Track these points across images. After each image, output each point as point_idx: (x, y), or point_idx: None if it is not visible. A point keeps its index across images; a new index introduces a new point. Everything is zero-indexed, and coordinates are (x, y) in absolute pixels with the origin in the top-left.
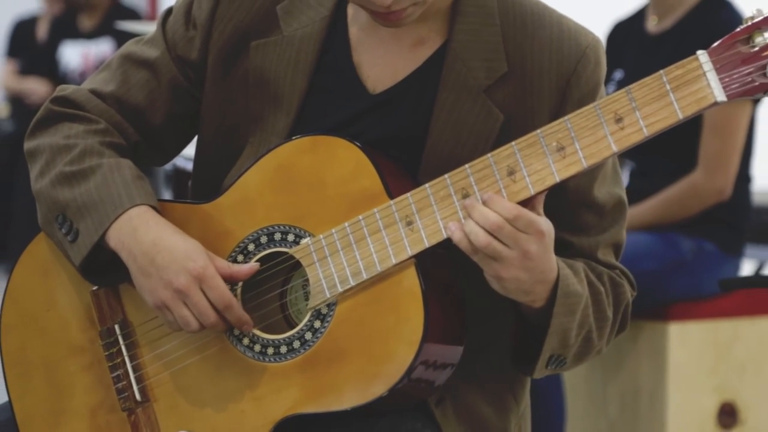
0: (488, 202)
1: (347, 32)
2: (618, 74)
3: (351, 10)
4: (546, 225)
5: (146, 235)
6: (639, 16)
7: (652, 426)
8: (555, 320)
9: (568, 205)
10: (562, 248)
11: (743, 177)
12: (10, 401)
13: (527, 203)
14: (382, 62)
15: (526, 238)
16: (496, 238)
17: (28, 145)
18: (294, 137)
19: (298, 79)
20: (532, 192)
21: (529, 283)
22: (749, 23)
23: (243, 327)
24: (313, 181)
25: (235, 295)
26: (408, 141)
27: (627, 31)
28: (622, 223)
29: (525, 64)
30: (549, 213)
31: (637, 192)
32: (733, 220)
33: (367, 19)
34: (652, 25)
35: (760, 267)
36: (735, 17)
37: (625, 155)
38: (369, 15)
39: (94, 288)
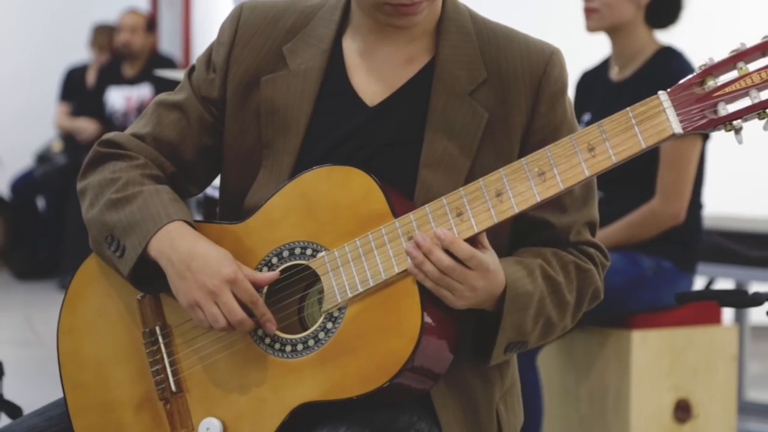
0: (448, 246)
1: (344, 61)
2: (586, 116)
3: (347, 42)
4: (493, 262)
5: (182, 244)
6: (603, 66)
7: (617, 420)
8: (506, 319)
9: None
10: (542, 227)
11: (695, 204)
12: (64, 394)
13: (475, 241)
14: (378, 80)
15: (474, 275)
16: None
17: (80, 185)
18: (313, 167)
19: (304, 105)
20: (516, 210)
21: (478, 301)
22: (702, 69)
23: (266, 323)
24: (329, 203)
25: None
26: (406, 142)
27: (593, 79)
28: (593, 203)
29: (501, 70)
30: None
31: (604, 217)
32: (687, 241)
33: (363, 46)
34: (614, 74)
35: (710, 282)
36: (684, 67)
37: None
38: (385, 17)
39: (139, 296)
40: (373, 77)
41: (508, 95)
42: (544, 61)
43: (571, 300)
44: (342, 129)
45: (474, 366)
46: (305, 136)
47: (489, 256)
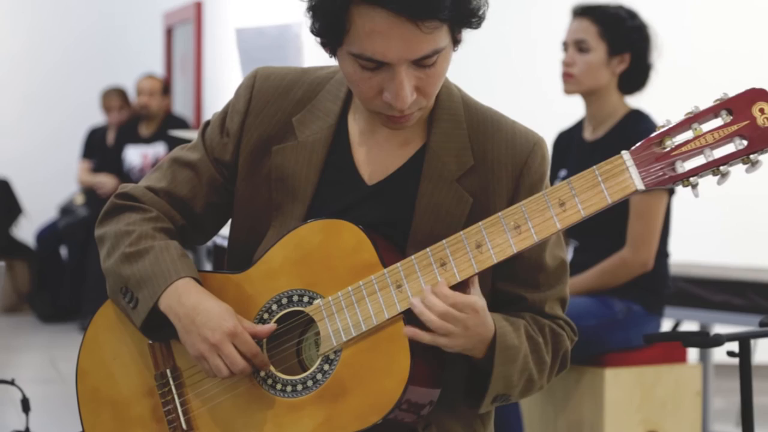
0: (437, 294)
1: (348, 137)
2: (563, 173)
3: (352, 119)
4: (480, 302)
5: (188, 300)
6: (578, 127)
7: None
8: (496, 369)
9: (524, 268)
10: (517, 301)
11: (662, 253)
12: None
13: (464, 287)
14: (377, 160)
15: (465, 317)
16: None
17: (98, 232)
18: (308, 221)
19: (311, 175)
20: (495, 260)
21: (471, 344)
22: (661, 130)
23: (265, 368)
24: (323, 254)
25: (261, 346)
26: (397, 222)
27: (569, 138)
28: (565, 281)
29: (487, 158)
30: (508, 275)
31: (579, 265)
32: (655, 286)
33: (365, 125)
34: (588, 134)
35: (677, 324)
36: (651, 127)
37: (569, 235)
38: (380, 120)
39: (151, 341)
40: (372, 156)
41: (492, 182)
42: (526, 153)
43: (548, 360)
44: (342, 202)
45: (462, 420)
46: (311, 204)
47: (475, 297)
